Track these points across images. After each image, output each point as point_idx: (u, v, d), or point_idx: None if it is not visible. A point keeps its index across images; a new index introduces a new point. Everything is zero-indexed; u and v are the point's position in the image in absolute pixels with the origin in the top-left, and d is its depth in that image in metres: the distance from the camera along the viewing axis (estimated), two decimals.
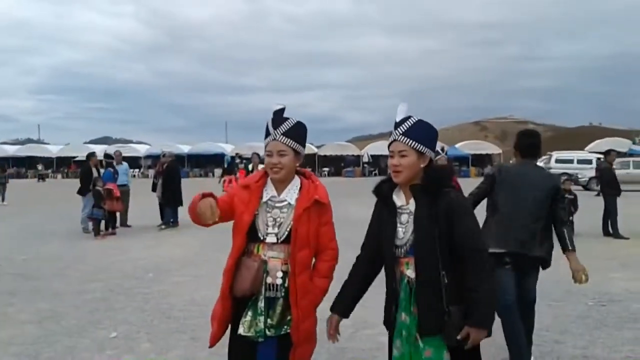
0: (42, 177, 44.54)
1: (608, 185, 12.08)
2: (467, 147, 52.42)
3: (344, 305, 2.79)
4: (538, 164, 4.29)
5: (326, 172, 49.80)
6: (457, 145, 52.18)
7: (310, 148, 53.65)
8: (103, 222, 12.08)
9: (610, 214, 11.65)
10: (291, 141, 2.74)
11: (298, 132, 2.77)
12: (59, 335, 5.01)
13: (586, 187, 25.08)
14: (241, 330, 2.69)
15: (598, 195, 21.48)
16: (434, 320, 2.47)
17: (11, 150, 55.81)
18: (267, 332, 2.67)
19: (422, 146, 2.57)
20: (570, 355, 4.53)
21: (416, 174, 2.60)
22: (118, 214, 12.99)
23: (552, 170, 21.78)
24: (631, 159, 27.85)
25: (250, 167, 11.96)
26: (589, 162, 27.26)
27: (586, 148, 40.69)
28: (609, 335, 5.01)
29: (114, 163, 13.18)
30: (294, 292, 2.68)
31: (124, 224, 13.41)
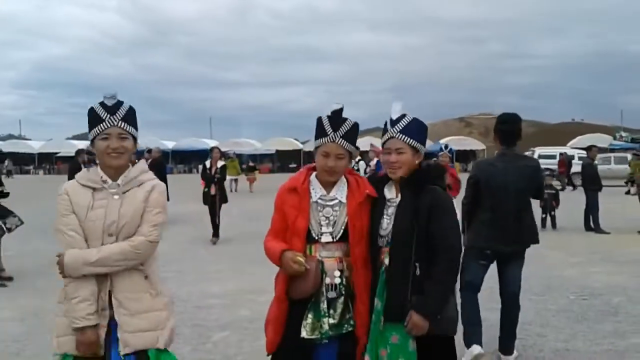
0: (9, 173, 42.74)
1: (590, 180, 12.23)
2: (451, 143, 51.95)
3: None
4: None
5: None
6: (441, 141, 52.41)
7: (295, 144, 53.64)
8: None
9: (592, 209, 11.80)
10: (349, 144, 2.72)
11: (354, 134, 2.76)
12: (41, 332, 4.94)
13: (569, 183, 25.37)
14: (304, 334, 2.65)
15: (574, 189, 21.88)
16: (399, 308, 2.57)
17: None
18: (330, 333, 2.66)
19: (417, 143, 2.68)
20: (552, 348, 4.60)
21: (412, 170, 2.69)
22: None
23: None
24: (612, 154, 28.21)
25: (208, 163, 10.93)
26: (572, 157, 27.57)
27: (568, 144, 41.09)
28: (590, 329, 5.09)
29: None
30: (358, 287, 2.69)
31: None
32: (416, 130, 2.70)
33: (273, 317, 2.77)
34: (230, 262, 8.28)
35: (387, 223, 2.68)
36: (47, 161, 53.01)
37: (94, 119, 2.51)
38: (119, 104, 2.54)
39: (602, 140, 40.16)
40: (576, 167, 25.59)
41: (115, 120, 2.50)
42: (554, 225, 11.97)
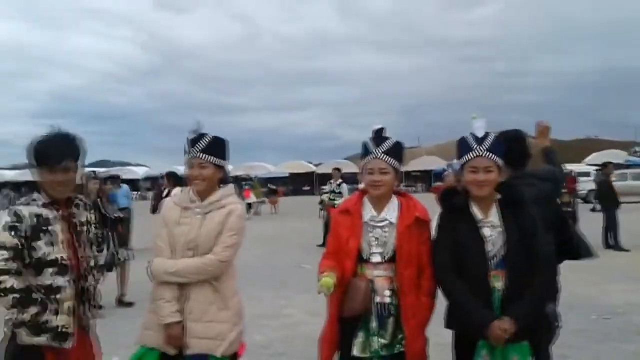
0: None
1: (607, 198, 12.08)
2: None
3: (488, 312, 2.59)
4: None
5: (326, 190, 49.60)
6: (455, 162, 52.20)
7: (308, 167, 53.77)
8: None
9: (611, 227, 11.63)
10: (392, 160, 2.78)
11: (398, 151, 2.82)
12: None
13: (585, 200, 25.07)
14: (355, 352, 2.69)
15: (594, 210, 21.50)
16: (520, 329, 2.55)
17: (9, 175, 55.68)
18: (381, 352, 2.68)
19: (501, 161, 2.69)
20: None
21: (493, 190, 2.70)
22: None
23: None
24: (629, 171, 27.91)
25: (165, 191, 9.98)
26: (587, 174, 27.28)
27: (584, 161, 40.77)
28: (613, 349, 4.98)
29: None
30: (404, 312, 2.69)
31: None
32: (500, 147, 2.71)
33: (327, 337, 2.84)
34: (244, 287, 8.22)
35: (490, 246, 2.64)
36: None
37: (184, 151, 2.90)
38: (201, 136, 2.85)
39: (617, 156, 39.81)
40: (584, 184, 25.23)
41: (196, 152, 2.84)
42: None
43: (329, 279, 2.59)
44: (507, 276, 2.60)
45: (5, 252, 2.44)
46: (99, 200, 7.25)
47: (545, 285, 2.68)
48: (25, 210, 2.54)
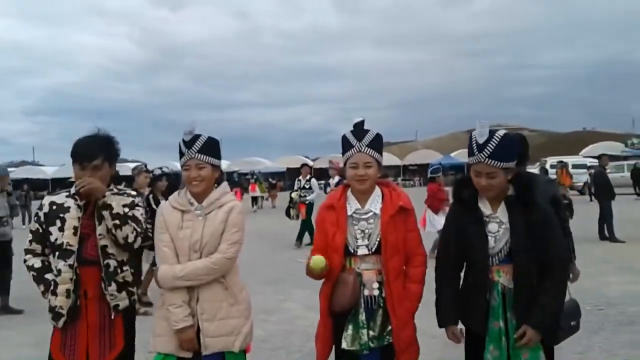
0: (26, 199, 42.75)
1: (602, 189, 12.13)
2: (461, 155, 52.39)
3: (454, 315, 2.75)
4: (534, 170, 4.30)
5: (322, 185, 49.68)
6: (452, 154, 52.26)
7: (305, 161, 53.74)
8: None
9: (606, 218, 11.68)
10: (376, 152, 2.78)
11: (379, 144, 2.82)
12: None
13: (581, 192, 25.16)
14: (344, 345, 2.71)
15: (591, 200, 21.55)
16: None
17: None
18: (370, 344, 2.70)
19: (508, 164, 2.61)
20: None
21: (504, 188, 2.68)
22: None
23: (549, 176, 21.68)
24: (625, 162, 27.99)
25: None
26: (584, 166, 27.36)
27: (580, 153, 40.86)
28: (606, 339, 5.04)
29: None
30: (390, 300, 2.72)
31: None
32: (507, 149, 2.60)
33: (320, 332, 2.87)
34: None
35: (494, 241, 2.65)
36: (61, 186, 53.19)
37: (179, 152, 2.90)
38: (196, 137, 2.86)
39: (613, 148, 39.94)
40: (579, 176, 25.29)
41: (193, 153, 2.83)
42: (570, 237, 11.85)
43: (320, 257, 2.67)
44: (514, 272, 2.62)
45: (31, 235, 2.93)
46: (150, 195, 6.89)
47: (561, 286, 2.67)
48: (47, 199, 2.93)
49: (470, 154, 2.66)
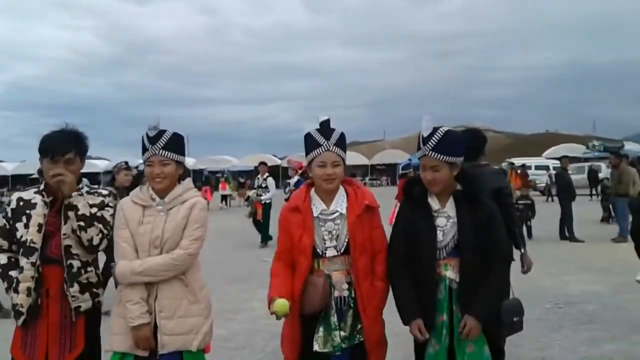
0: None
1: (563, 190, 12.39)
2: None
3: (416, 309, 2.69)
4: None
5: (290, 183, 49.51)
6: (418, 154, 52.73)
7: (273, 160, 53.56)
8: None
9: (566, 218, 11.94)
10: (342, 152, 2.77)
11: (344, 143, 2.80)
12: None
13: (543, 193, 25.71)
14: (316, 347, 2.68)
15: (548, 201, 21.97)
16: None
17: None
18: (342, 345, 2.68)
19: (453, 158, 2.66)
20: (528, 357, 4.63)
21: (450, 183, 2.72)
22: None
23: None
24: (586, 164, 28.69)
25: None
26: (547, 168, 27.97)
27: (543, 154, 41.69)
28: (566, 337, 5.14)
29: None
30: (360, 300, 2.70)
31: None
32: (450, 144, 2.65)
33: (287, 335, 2.83)
34: (207, 281, 8.16)
35: (442, 235, 2.68)
36: (21, 183, 51.96)
37: (142, 148, 2.82)
38: (161, 133, 2.79)
39: (575, 150, 40.85)
40: (542, 177, 25.83)
41: (157, 149, 2.77)
42: (529, 235, 12.09)
43: (285, 302, 2.60)
44: (460, 266, 2.66)
45: None
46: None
47: (502, 278, 2.75)
48: (15, 195, 2.88)
49: (418, 148, 2.73)
